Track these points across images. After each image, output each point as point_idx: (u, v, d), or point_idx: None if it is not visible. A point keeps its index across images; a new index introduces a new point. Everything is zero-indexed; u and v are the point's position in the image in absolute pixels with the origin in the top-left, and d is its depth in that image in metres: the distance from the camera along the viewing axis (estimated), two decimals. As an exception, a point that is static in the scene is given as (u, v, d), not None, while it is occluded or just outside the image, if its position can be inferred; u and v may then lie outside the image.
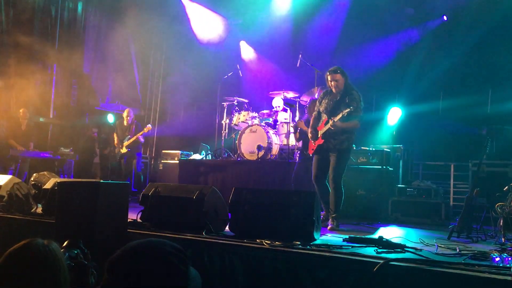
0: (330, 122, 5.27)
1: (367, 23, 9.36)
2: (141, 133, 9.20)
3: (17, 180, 5.80)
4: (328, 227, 5.20)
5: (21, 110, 9.33)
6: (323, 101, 5.63)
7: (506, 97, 7.85)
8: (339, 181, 5.38)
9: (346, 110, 5.17)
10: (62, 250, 1.98)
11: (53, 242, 1.82)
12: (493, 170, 6.51)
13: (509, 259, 3.18)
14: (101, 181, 4.34)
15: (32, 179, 5.97)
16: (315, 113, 5.80)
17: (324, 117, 5.52)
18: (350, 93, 5.41)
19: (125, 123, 9.43)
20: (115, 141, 9.45)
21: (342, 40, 9.76)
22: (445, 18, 9.03)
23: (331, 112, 5.43)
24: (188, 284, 1.45)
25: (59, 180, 5.46)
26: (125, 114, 9.50)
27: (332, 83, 5.45)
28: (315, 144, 5.57)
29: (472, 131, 7.98)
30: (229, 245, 3.83)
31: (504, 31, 8.04)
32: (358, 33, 9.45)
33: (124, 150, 9.24)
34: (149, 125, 9.46)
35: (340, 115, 5.22)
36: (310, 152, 5.73)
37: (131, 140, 9.18)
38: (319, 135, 5.51)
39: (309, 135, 5.70)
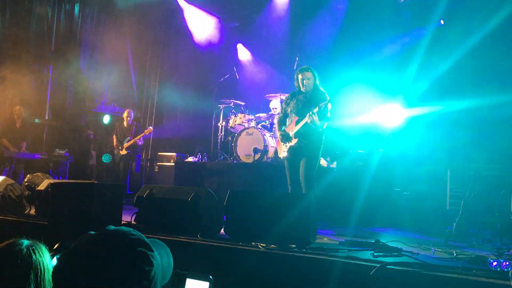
0: (308, 115, 5.19)
1: (365, 26, 9.35)
2: (141, 135, 9.11)
3: (11, 181, 5.74)
4: None
5: (16, 107, 9.25)
6: (291, 102, 5.60)
7: (503, 101, 7.84)
8: (311, 181, 5.34)
9: (323, 103, 5.16)
10: (51, 253, 1.94)
11: (38, 243, 1.78)
12: (490, 174, 6.49)
13: (507, 263, 3.15)
14: (96, 182, 4.30)
15: (25, 180, 5.92)
16: (280, 115, 5.78)
17: (294, 117, 5.48)
18: (320, 93, 5.43)
19: (125, 124, 9.33)
20: (114, 143, 9.35)
21: (339, 42, 9.74)
22: (442, 22, 9.03)
23: (302, 110, 5.39)
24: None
25: (52, 181, 5.41)
26: (125, 114, 9.40)
27: (304, 81, 5.43)
28: (286, 146, 5.50)
29: (469, 135, 7.97)
30: (224, 248, 3.79)
31: (502, 35, 8.04)
32: (356, 36, 9.45)
33: (124, 152, 9.14)
34: (150, 127, 9.35)
35: (317, 109, 5.18)
36: (281, 156, 5.68)
37: (131, 142, 9.08)
38: (291, 135, 5.46)
39: (279, 137, 5.63)
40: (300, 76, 5.48)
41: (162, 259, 1.33)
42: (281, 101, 8.68)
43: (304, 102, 5.45)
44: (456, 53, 8.35)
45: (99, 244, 1.22)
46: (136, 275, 1.21)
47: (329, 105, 5.34)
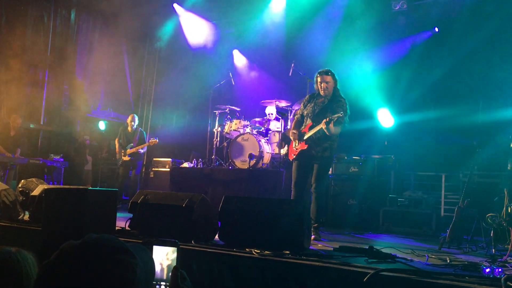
0: (324, 122, 5.08)
1: (360, 33, 9.41)
2: (145, 145, 9.09)
3: (5, 186, 5.70)
4: (312, 238, 5.14)
5: (13, 116, 9.25)
6: (309, 105, 5.50)
7: (497, 108, 7.90)
8: (322, 190, 5.32)
9: (337, 115, 5.05)
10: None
11: (22, 251, 1.76)
12: (483, 181, 6.53)
13: (499, 270, 3.16)
14: (90, 188, 4.29)
15: (19, 185, 5.89)
16: (297, 116, 5.67)
17: (309, 121, 5.41)
18: (338, 100, 5.33)
19: (129, 129, 9.31)
20: (116, 148, 9.32)
21: (334, 49, 9.78)
22: (436, 29, 9.10)
23: (317, 116, 5.32)
24: None
25: (47, 186, 5.39)
26: (129, 119, 9.38)
27: (322, 84, 5.34)
28: (297, 148, 5.44)
29: (463, 141, 8.01)
30: (218, 254, 3.78)
31: (494, 42, 8.12)
32: (351, 42, 9.49)
33: (126, 158, 9.11)
34: (156, 138, 9.24)
35: (328, 119, 5.08)
36: (291, 157, 5.60)
37: (135, 149, 9.04)
38: (304, 138, 5.38)
39: (292, 136, 5.52)
40: (319, 79, 5.38)
41: (145, 265, 1.34)
42: (276, 107, 8.72)
43: (321, 108, 5.36)
44: (449, 60, 8.41)
45: (80, 253, 1.22)
46: (118, 284, 1.20)
47: (347, 111, 5.25)
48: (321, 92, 5.40)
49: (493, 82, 8.03)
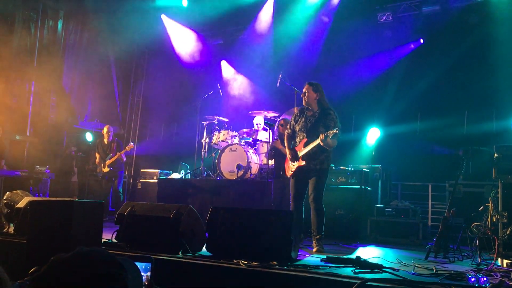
0: (320, 139, 5.11)
1: (347, 45, 9.51)
2: (122, 152, 9.04)
3: (-11, 199, 5.65)
4: (314, 250, 5.13)
5: None
6: (299, 120, 5.56)
7: (481, 119, 8.01)
8: (321, 201, 5.34)
9: (333, 132, 5.07)
10: (26, 278, 1.87)
11: None
12: (469, 191, 6.60)
13: (485, 279, 3.19)
14: (76, 200, 4.25)
15: (4, 198, 5.82)
16: (288, 131, 5.72)
17: (302, 136, 5.44)
18: (328, 113, 5.38)
19: (105, 140, 9.27)
20: (97, 160, 9.27)
21: (322, 61, 9.88)
22: (421, 41, 9.23)
23: (310, 131, 5.36)
24: None
25: (32, 199, 5.34)
26: (105, 130, 9.33)
27: (307, 93, 5.44)
28: (294, 166, 5.47)
29: (449, 152, 8.10)
30: (206, 266, 3.77)
31: (479, 54, 8.24)
32: (338, 54, 9.59)
33: (106, 169, 9.06)
34: (131, 143, 9.29)
35: (323, 136, 5.12)
36: (288, 174, 5.63)
37: (113, 159, 9.00)
38: (299, 156, 5.41)
39: (289, 156, 5.55)
40: (304, 89, 5.49)
41: (134, 279, 1.33)
42: (265, 118, 8.73)
43: (313, 122, 5.41)
44: (435, 71, 8.52)
45: (71, 266, 1.21)
46: None
47: (338, 123, 5.28)
48: (304, 101, 5.50)
49: (478, 93, 8.14)
